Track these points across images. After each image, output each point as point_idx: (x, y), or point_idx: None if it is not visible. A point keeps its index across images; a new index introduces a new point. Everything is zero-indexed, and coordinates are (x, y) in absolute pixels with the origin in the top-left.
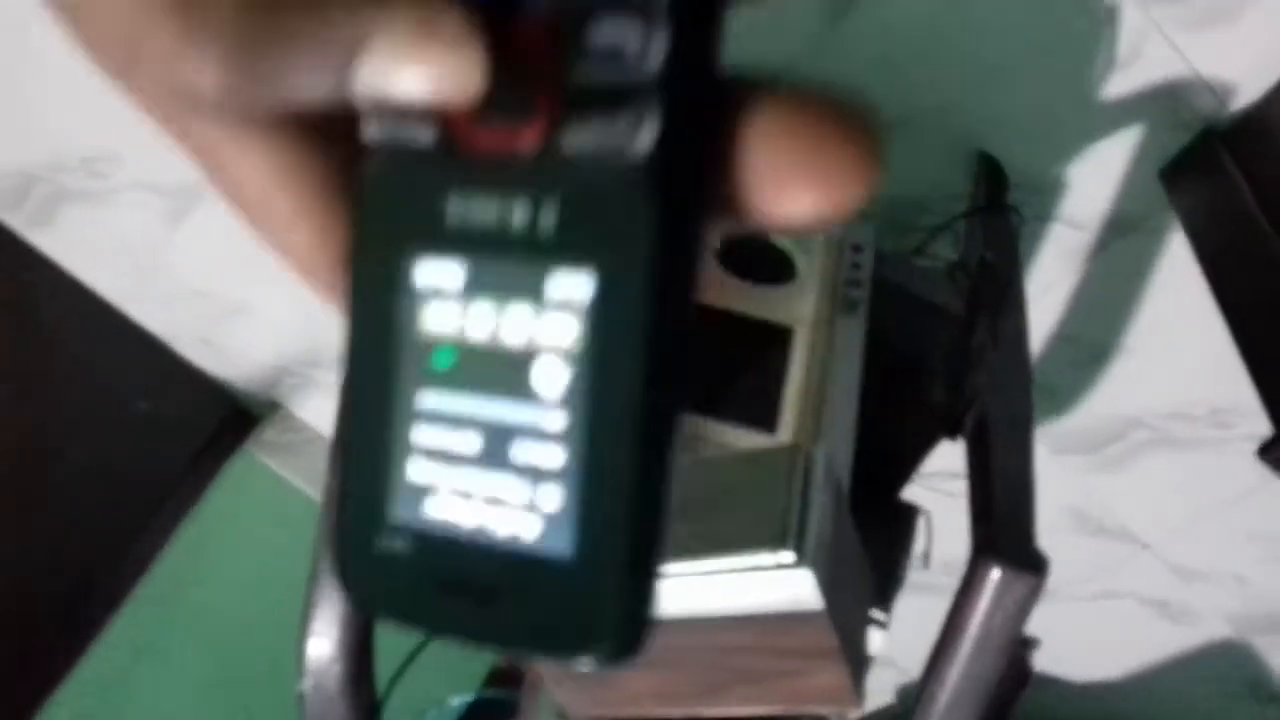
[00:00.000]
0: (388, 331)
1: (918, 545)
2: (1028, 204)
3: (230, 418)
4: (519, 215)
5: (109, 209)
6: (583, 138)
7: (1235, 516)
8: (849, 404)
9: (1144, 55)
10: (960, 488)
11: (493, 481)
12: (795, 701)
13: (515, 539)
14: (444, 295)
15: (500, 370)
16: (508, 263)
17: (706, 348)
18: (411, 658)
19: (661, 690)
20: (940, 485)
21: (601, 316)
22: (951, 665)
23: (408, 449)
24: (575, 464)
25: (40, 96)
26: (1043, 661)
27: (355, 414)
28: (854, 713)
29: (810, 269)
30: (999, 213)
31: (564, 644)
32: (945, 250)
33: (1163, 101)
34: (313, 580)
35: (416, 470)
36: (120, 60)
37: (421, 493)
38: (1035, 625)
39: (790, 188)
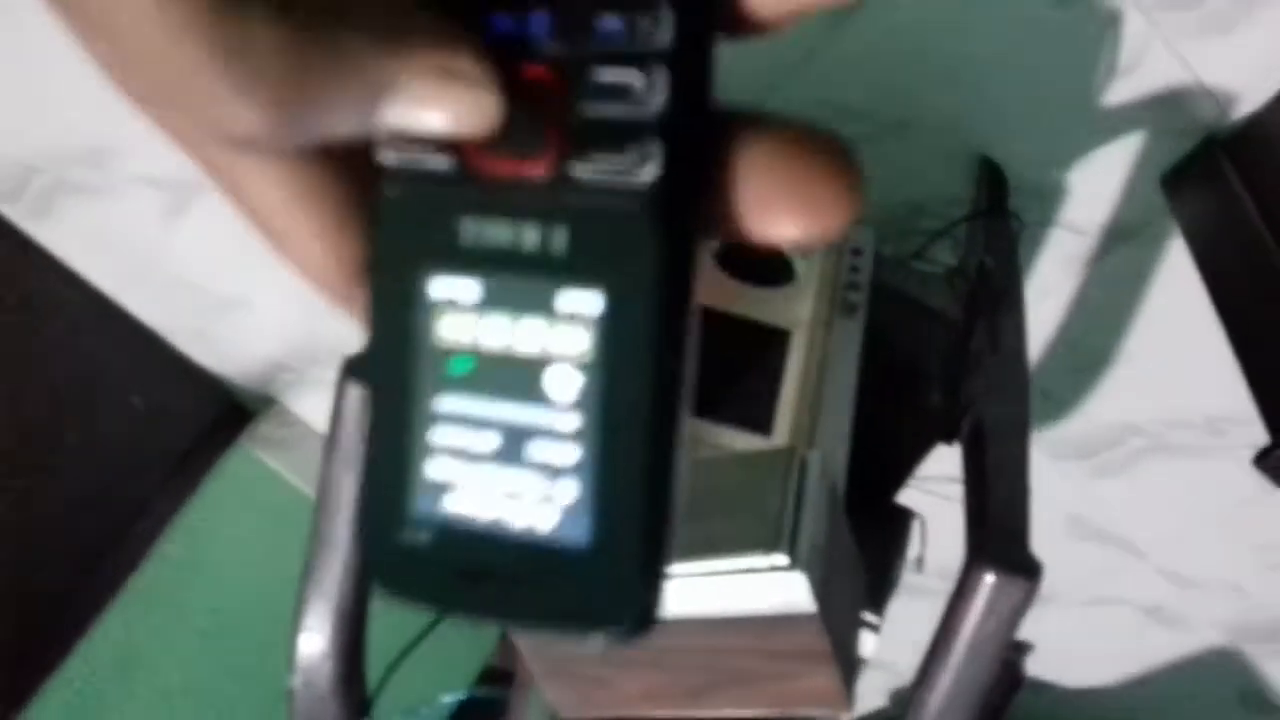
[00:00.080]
0: (407, 341)
1: (912, 549)
2: (1028, 209)
3: (226, 412)
4: (531, 236)
5: (108, 201)
6: (591, 168)
7: (1231, 525)
8: (845, 407)
9: (1146, 62)
10: (956, 492)
11: (509, 478)
12: (786, 704)
13: (532, 530)
14: (460, 308)
15: (515, 376)
16: (521, 279)
17: (703, 349)
18: (403, 656)
19: (652, 691)
20: (936, 489)
21: (611, 327)
22: (944, 670)
23: (428, 449)
24: (589, 460)
25: (41, 88)
26: (1036, 666)
27: (378, 418)
28: (845, 716)
29: (809, 272)
30: (999, 218)
31: (580, 623)
32: (945, 255)
33: (1164, 108)
34: (305, 576)
35: (436, 469)
36: (157, 97)
37: (442, 489)
38: (1029, 630)
39: (778, 213)
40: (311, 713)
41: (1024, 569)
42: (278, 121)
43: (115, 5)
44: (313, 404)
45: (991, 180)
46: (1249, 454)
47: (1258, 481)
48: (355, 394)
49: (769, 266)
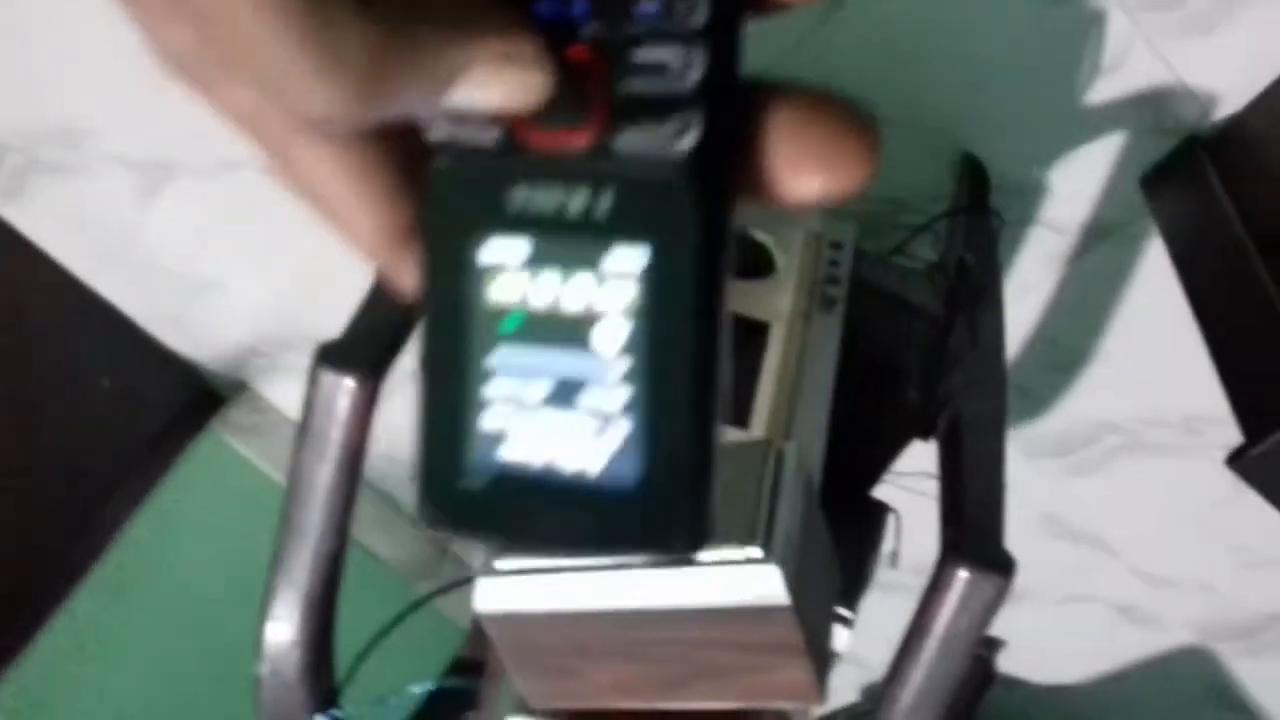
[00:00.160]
0: (460, 303)
1: (887, 544)
2: (1009, 207)
3: (197, 397)
4: (577, 201)
5: (81, 182)
6: (632, 139)
7: (1205, 524)
8: (823, 401)
9: (1129, 62)
10: (931, 488)
11: (562, 423)
12: (759, 696)
13: (586, 469)
14: (510, 269)
15: (564, 330)
16: (568, 240)
17: None
18: (371, 646)
19: (624, 682)
20: (911, 485)
21: (656, 280)
22: (915, 665)
23: (482, 401)
24: (638, 402)
25: (17, 65)
26: (1008, 663)
27: (432, 375)
28: (817, 709)
29: (789, 265)
30: (980, 214)
31: (640, 546)
32: (925, 250)
33: (1146, 108)
34: (274, 565)
35: (491, 419)
36: (239, 81)
37: (497, 438)
38: (1002, 627)
39: (805, 172)
40: (278, 701)
41: (998, 565)
42: (354, 105)
43: None
44: (285, 390)
45: (973, 176)
46: (1223, 454)
47: (1231, 481)
48: (328, 381)
49: (749, 259)
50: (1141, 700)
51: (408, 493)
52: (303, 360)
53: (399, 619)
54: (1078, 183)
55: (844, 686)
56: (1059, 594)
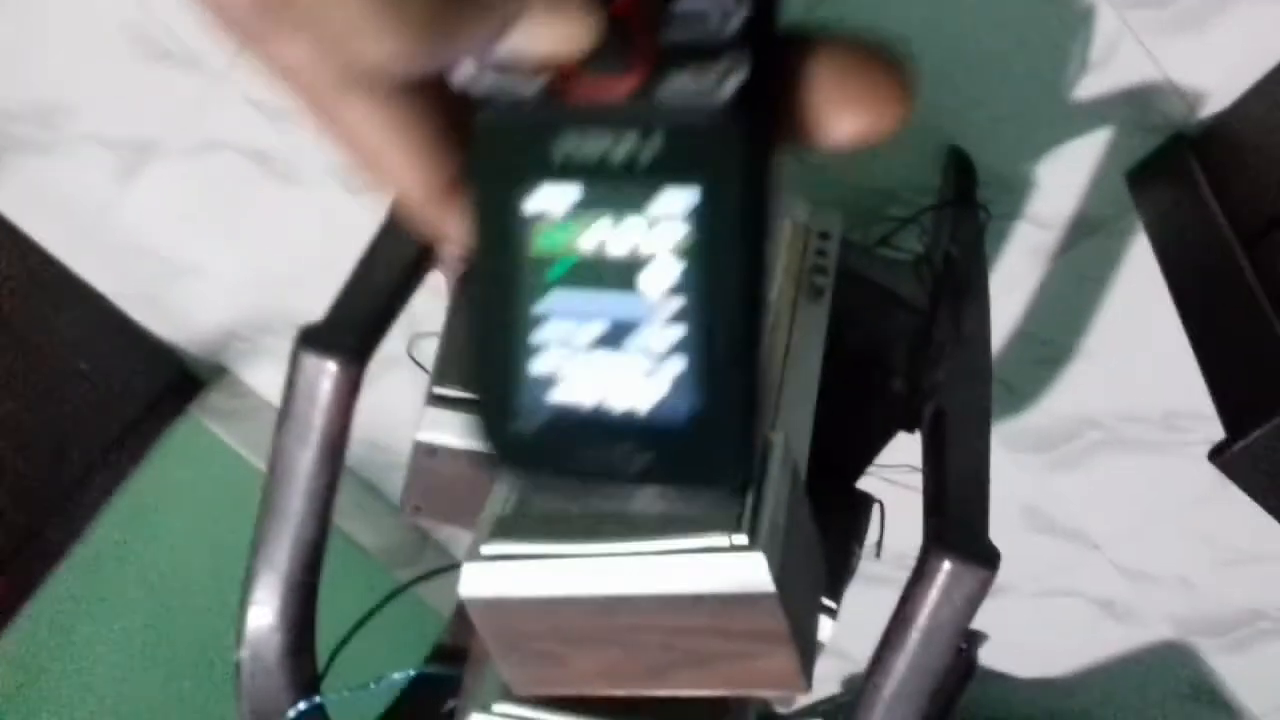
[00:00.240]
0: (508, 251)
1: (870, 535)
2: (995, 201)
3: (176, 381)
4: (622, 148)
5: (58, 161)
6: (676, 86)
7: (1185, 520)
8: (809, 390)
9: (1116, 58)
10: (914, 480)
11: (614, 363)
12: (743, 685)
13: (641, 403)
14: (559, 216)
15: (613, 272)
16: (614, 186)
17: None
18: (353, 632)
19: (608, 670)
20: (894, 477)
21: (703, 224)
22: (898, 656)
23: (534, 346)
24: (689, 340)
25: None
26: (988, 656)
27: (483, 321)
28: (801, 698)
29: (776, 253)
30: (967, 207)
31: (695, 478)
32: (912, 243)
33: (1133, 105)
34: (254, 548)
35: (544, 361)
36: (300, 31)
37: (553, 377)
38: (982, 620)
39: (845, 114)
40: (259, 686)
41: (982, 557)
42: (412, 55)
43: None
44: (265, 375)
45: (959, 169)
46: (1204, 450)
47: (1211, 478)
48: (311, 364)
49: None
50: (1121, 695)
51: (388, 479)
52: (283, 344)
53: (380, 605)
54: (1063, 178)
55: (825, 679)
56: (1039, 588)
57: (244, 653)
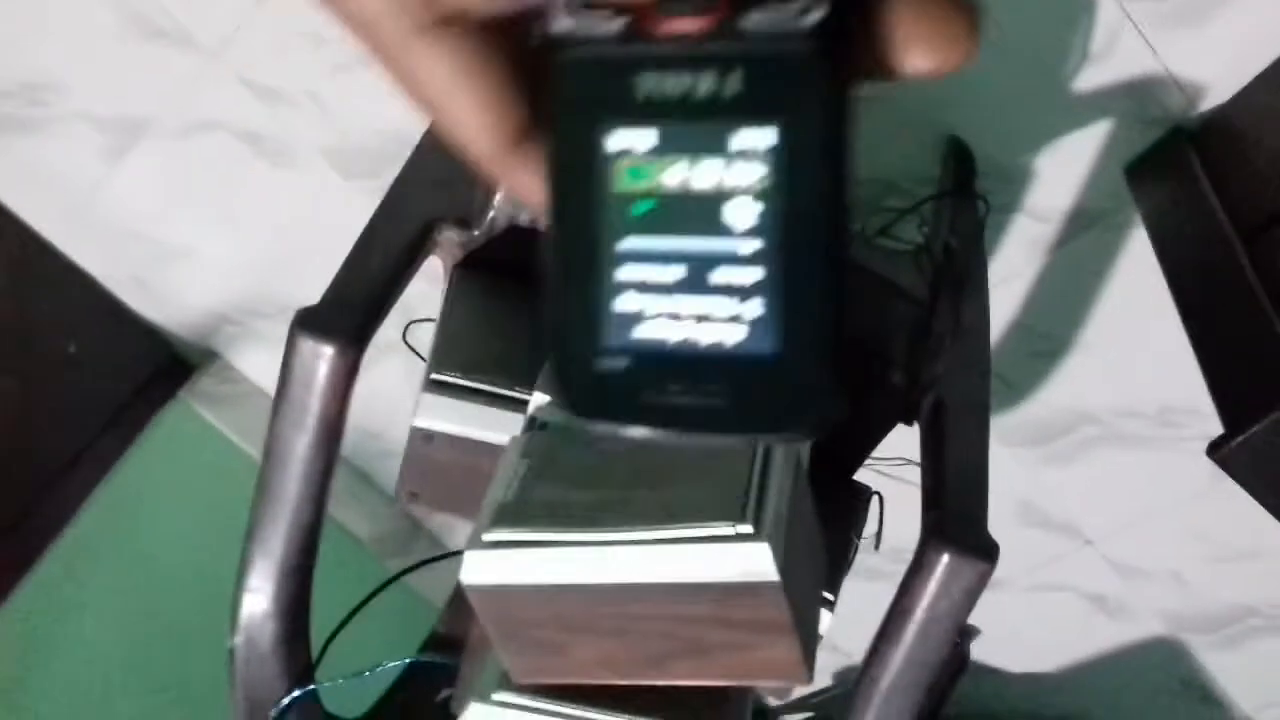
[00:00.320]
0: (589, 191)
1: (868, 528)
2: (994, 191)
3: (165, 365)
4: (703, 84)
5: (47, 139)
6: (759, 18)
7: (1178, 516)
8: None
9: (1117, 50)
10: (908, 473)
11: (696, 303)
12: (744, 675)
13: (720, 347)
14: (639, 155)
15: (695, 212)
16: (695, 124)
17: None
18: (346, 620)
19: (609, 658)
20: (889, 469)
21: (785, 158)
22: (895, 648)
23: (616, 285)
24: (771, 279)
25: None
26: (980, 651)
27: (565, 263)
28: (801, 689)
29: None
30: (966, 197)
31: (776, 425)
32: (911, 233)
33: (1133, 97)
34: (250, 535)
35: (626, 301)
36: None
37: (633, 319)
38: (973, 614)
39: (918, 49)
40: (253, 673)
41: (981, 550)
42: None
43: None
44: (257, 359)
45: (960, 159)
46: (1198, 446)
47: (1206, 474)
48: (307, 349)
49: None
50: (1112, 690)
51: (381, 467)
52: (275, 328)
53: (377, 592)
54: (1062, 170)
55: (818, 672)
56: (1032, 583)
57: (238, 639)
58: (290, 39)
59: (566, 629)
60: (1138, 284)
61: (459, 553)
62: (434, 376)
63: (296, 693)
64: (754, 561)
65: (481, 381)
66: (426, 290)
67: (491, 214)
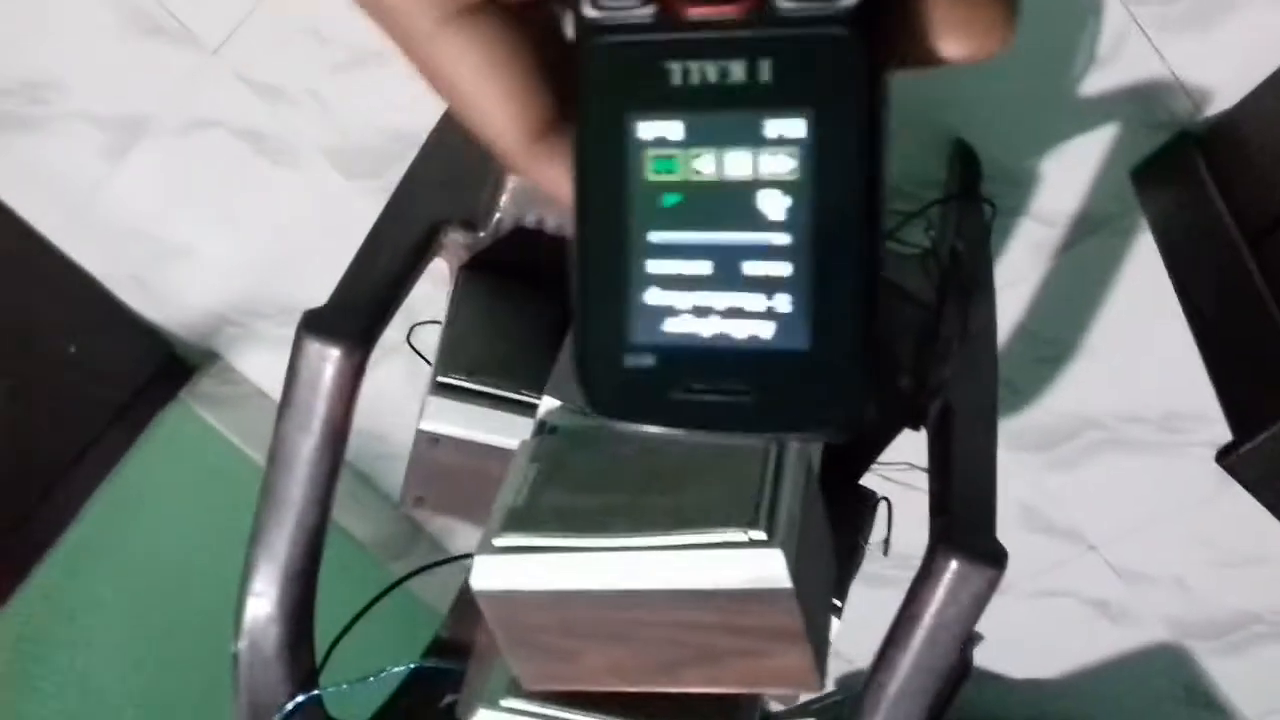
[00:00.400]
0: (617, 182)
1: (876, 533)
2: (1001, 195)
3: (166, 366)
4: (735, 71)
5: (47, 138)
6: (794, 3)
7: (1182, 522)
8: None
9: (1124, 54)
10: (914, 478)
11: (726, 297)
12: (755, 682)
13: (751, 342)
14: (669, 145)
15: (726, 204)
16: (727, 112)
17: None
18: (350, 625)
19: (619, 665)
20: (893, 474)
21: (818, 149)
22: (903, 654)
23: (645, 279)
24: (803, 273)
25: None
26: (983, 657)
27: (591, 256)
28: (809, 696)
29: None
30: (972, 201)
31: (804, 423)
32: (918, 237)
33: (1139, 101)
34: (254, 539)
35: (654, 296)
36: None
37: (661, 314)
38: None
39: (953, 36)
40: (256, 678)
41: (989, 557)
42: None
43: None
44: (257, 360)
45: (966, 163)
46: (1202, 452)
47: (1210, 479)
48: (313, 350)
49: None
50: (1115, 696)
51: (381, 470)
52: (276, 329)
53: (381, 596)
54: (1068, 174)
55: None
56: (1035, 588)
57: (242, 644)
58: (291, 36)
59: (576, 635)
60: (1143, 288)
61: (465, 557)
62: (440, 379)
63: (301, 698)
64: (767, 568)
65: (488, 384)
66: (430, 292)
67: (497, 216)
